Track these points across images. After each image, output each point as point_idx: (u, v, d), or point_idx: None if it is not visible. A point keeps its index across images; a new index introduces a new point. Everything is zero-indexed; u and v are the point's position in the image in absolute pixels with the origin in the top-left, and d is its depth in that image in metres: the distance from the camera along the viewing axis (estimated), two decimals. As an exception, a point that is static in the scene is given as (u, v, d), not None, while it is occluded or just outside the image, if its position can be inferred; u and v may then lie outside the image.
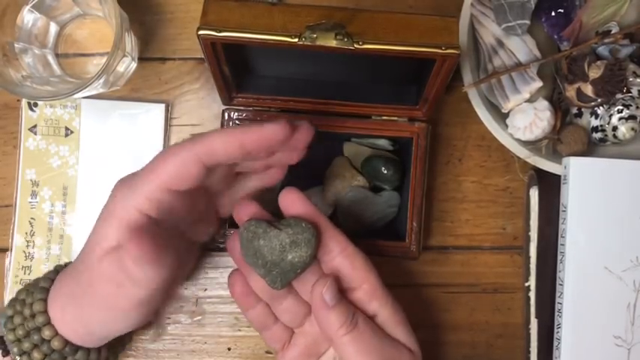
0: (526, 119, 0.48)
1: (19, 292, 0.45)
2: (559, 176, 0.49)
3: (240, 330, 0.53)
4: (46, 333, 0.42)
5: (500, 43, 0.49)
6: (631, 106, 0.48)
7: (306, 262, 0.39)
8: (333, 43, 0.39)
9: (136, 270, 0.38)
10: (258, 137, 0.37)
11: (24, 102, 0.53)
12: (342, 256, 0.41)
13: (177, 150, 0.38)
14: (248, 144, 0.37)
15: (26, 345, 0.42)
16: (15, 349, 0.43)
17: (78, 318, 0.42)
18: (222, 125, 0.49)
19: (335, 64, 0.47)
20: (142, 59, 0.53)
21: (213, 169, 0.40)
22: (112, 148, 0.53)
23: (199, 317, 0.53)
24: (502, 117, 0.50)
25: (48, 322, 0.42)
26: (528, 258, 0.53)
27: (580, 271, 0.47)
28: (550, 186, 0.51)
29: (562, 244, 0.48)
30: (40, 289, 0.44)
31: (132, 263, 0.38)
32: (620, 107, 0.48)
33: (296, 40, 0.38)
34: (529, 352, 0.52)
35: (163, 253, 0.39)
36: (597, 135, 0.49)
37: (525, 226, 0.53)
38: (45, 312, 0.42)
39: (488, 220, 0.54)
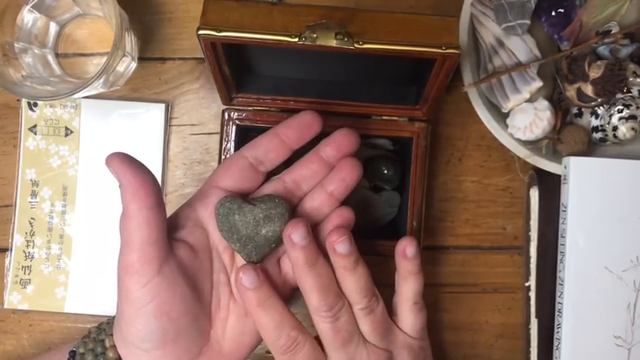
0: (526, 119, 0.48)
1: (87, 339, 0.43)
2: (559, 176, 0.49)
3: (240, 330, 0.53)
4: None
5: (501, 43, 0.49)
6: (631, 105, 0.48)
7: (279, 236, 0.41)
8: (333, 43, 0.39)
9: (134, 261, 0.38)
10: (288, 124, 0.42)
11: (24, 102, 0.53)
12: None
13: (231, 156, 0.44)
14: (281, 132, 0.42)
15: None
16: None
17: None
18: (221, 125, 0.49)
19: (335, 64, 0.47)
20: (141, 59, 0.53)
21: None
22: (112, 148, 0.52)
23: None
24: (502, 117, 0.50)
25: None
26: (528, 258, 0.53)
27: (580, 271, 0.47)
28: (550, 186, 0.51)
29: (562, 244, 0.48)
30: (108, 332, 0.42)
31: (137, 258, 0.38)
32: (621, 107, 0.48)
33: (296, 40, 0.38)
34: (529, 352, 0.52)
35: (169, 271, 0.39)
36: (597, 135, 0.49)
37: (525, 226, 0.53)
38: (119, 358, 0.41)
39: (488, 220, 0.54)
